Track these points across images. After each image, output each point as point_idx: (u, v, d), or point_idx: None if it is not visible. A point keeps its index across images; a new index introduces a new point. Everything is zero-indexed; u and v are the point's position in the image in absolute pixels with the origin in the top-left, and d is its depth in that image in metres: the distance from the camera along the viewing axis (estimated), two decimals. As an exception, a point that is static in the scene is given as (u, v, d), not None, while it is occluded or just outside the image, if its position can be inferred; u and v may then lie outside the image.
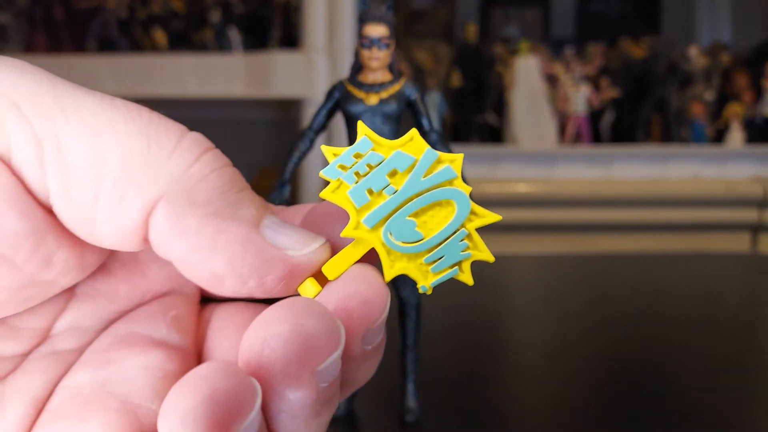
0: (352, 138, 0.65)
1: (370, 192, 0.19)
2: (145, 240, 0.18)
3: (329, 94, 0.65)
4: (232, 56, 2.37)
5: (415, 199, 0.19)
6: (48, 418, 0.18)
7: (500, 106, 2.48)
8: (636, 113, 2.50)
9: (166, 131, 0.17)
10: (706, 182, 2.20)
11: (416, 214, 0.20)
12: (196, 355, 0.21)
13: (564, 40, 3.20)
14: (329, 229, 0.20)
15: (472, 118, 2.51)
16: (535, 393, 0.77)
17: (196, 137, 0.18)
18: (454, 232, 0.20)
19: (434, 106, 2.30)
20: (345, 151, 0.19)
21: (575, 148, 2.33)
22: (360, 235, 0.19)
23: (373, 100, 0.63)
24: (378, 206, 0.19)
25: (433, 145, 0.64)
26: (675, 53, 2.56)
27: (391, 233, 0.19)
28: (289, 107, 2.45)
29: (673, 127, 2.47)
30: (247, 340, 0.17)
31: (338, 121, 0.67)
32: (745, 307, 1.20)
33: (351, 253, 0.20)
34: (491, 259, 0.20)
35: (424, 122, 0.64)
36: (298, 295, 0.19)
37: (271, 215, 0.18)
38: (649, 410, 0.70)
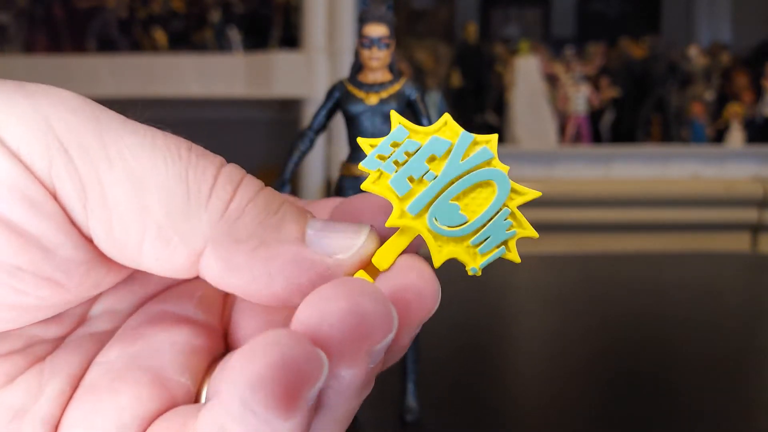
0: (352, 138, 0.65)
1: (411, 179, 0.19)
2: (194, 272, 0.18)
3: (329, 94, 0.65)
4: (232, 56, 2.37)
5: (456, 183, 0.19)
6: (83, 392, 0.19)
7: (500, 106, 2.48)
8: (636, 113, 2.50)
9: (204, 172, 0.17)
10: (706, 182, 2.20)
11: (458, 198, 0.20)
12: (222, 332, 0.21)
13: (564, 40, 3.20)
14: (370, 222, 0.20)
15: (472, 118, 2.51)
16: (535, 393, 0.77)
17: (229, 172, 0.18)
18: (498, 212, 0.20)
19: (434, 106, 2.30)
20: (382, 141, 0.19)
21: (575, 148, 2.33)
22: (405, 223, 0.19)
23: (373, 99, 0.63)
24: (420, 193, 0.19)
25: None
26: (675, 53, 2.56)
27: (436, 218, 0.19)
28: (289, 107, 2.45)
29: (673, 127, 2.47)
30: (303, 314, 0.17)
31: (338, 121, 0.67)
32: (745, 307, 1.20)
33: (398, 242, 0.20)
34: (535, 235, 0.20)
35: (424, 122, 0.64)
36: None
37: (312, 221, 0.19)
38: (649, 410, 0.70)
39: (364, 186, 0.19)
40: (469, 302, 1.16)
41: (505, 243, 0.20)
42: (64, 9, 2.59)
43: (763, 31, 3.01)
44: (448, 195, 0.19)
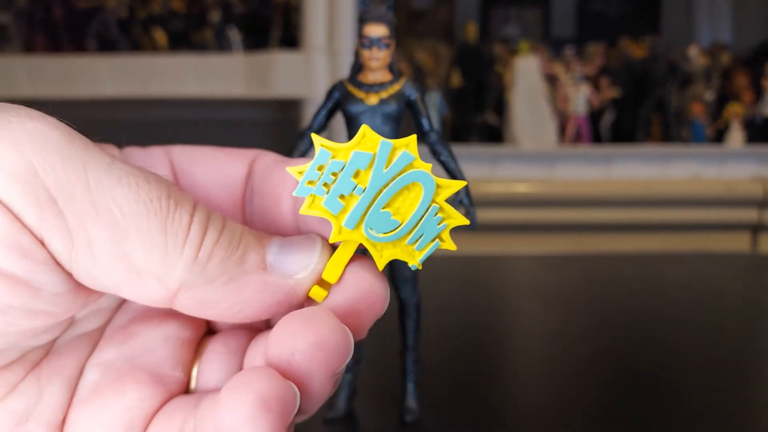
0: (352, 138, 0.65)
1: (342, 197, 0.20)
2: (172, 306, 0.20)
3: (329, 94, 0.65)
4: (232, 56, 2.37)
5: (384, 191, 0.21)
6: (87, 393, 0.20)
7: (500, 106, 2.48)
8: (636, 113, 2.50)
9: (180, 221, 0.19)
10: (706, 182, 2.20)
11: (389, 204, 0.21)
12: (204, 323, 0.23)
13: (564, 40, 3.20)
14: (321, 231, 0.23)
15: (472, 118, 2.51)
16: (535, 393, 0.77)
17: (199, 218, 0.20)
18: (427, 210, 0.21)
19: (434, 106, 2.30)
20: (308, 167, 0.21)
21: (575, 148, 2.33)
22: (345, 237, 0.21)
23: (373, 100, 0.63)
24: (353, 208, 0.21)
25: (433, 145, 0.64)
26: (675, 53, 2.56)
27: (371, 228, 0.21)
28: (289, 107, 2.45)
29: (673, 127, 2.47)
30: (275, 350, 0.19)
31: (338, 121, 0.67)
32: (745, 307, 1.20)
33: (343, 255, 0.21)
34: (466, 222, 0.22)
35: (424, 122, 0.64)
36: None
37: (270, 245, 0.20)
38: (649, 410, 0.70)
39: (301, 211, 0.21)
40: (468, 302, 1.16)
41: (438, 236, 0.22)
42: (64, 9, 2.59)
43: (763, 31, 3.01)
44: (379, 204, 0.21)
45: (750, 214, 2.13)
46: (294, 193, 0.21)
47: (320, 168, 0.20)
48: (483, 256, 1.77)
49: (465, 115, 2.52)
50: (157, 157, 0.24)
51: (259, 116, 2.63)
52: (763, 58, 2.54)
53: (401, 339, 0.68)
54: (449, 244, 0.22)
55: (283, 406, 0.18)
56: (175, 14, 2.60)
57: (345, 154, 0.21)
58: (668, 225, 2.12)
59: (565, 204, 2.12)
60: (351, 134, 0.64)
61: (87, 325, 0.22)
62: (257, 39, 2.48)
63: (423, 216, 0.21)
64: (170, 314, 0.22)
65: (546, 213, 2.11)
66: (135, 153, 0.24)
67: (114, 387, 0.20)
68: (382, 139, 0.20)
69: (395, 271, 0.66)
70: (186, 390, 0.22)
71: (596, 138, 2.47)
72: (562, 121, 2.43)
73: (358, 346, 0.68)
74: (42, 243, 0.18)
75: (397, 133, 0.64)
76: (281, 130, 2.63)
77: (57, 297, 0.19)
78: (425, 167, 0.21)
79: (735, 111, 2.39)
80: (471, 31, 2.57)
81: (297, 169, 0.21)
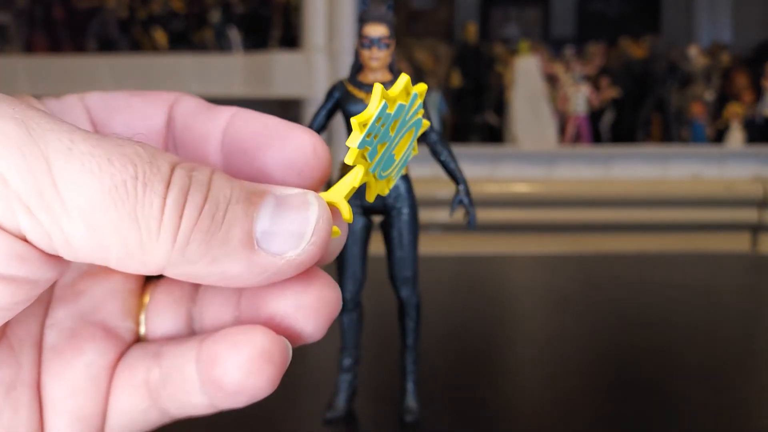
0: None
1: (378, 146, 0.21)
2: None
3: (329, 94, 0.65)
4: (232, 56, 2.37)
5: (398, 137, 0.22)
6: (49, 355, 0.21)
7: (500, 106, 2.48)
8: (636, 113, 2.50)
9: (151, 206, 0.18)
10: (706, 182, 2.20)
11: (396, 146, 0.22)
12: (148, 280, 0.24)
13: (564, 40, 3.19)
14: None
15: (472, 118, 2.51)
16: (535, 392, 0.77)
17: (175, 198, 0.18)
18: (411, 147, 0.22)
19: (434, 106, 2.30)
20: (371, 122, 0.21)
21: (575, 148, 2.33)
22: (364, 180, 0.22)
23: (373, 100, 0.63)
24: (380, 154, 0.21)
25: (433, 145, 0.64)
26: (675, 53, 2.56)
27: (381, 170, 0.22)
28: (289, 107, 2.45)
29: (673, 127, 2.47)
30: (271, 306, 0.20)
31: (338, 121, 0.67)
32: (745, 307, 1.20)
33: (348, 185, 0.22)
34: (428, 125, 0.23)
35: (424, 122, 0.64)
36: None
37: (258, 216, 0.19)
38: (649, 409, 0.70)
39: (351, 163, 0.21)
40: (468, 302, 1.16)
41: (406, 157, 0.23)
42: (64, 9, 2.59)
43: (763, 31, 3.01)
44: (392, 147, 0.22)
45: (750, 214, 2.13)
46: (355, 145, 0.20)
47: (379, 121, 0.21)
48: (483, 256, 1.77)
49: (465, 115, 2.52)
50: (72, 107, 0.24)
51: (259, 116, 2.63)
52: (763, 58, 2.54)
53: (401, 339, 0.68)
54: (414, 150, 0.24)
55: (282, 358, 0.19)
56: (175, 14, 2.60)
57: (392, 106, 0.21)
58: (668, 225, 2.12)
59: (565, 204, 2.11)
60: (351, 134, 0.64)
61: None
62: (257, 39, 2.48)
63: (408, 155, 0.22)
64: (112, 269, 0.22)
65: (546, 213, 2.11)
66: (51, 104, 0.24)
67: (72, 346, 0.21)
68: (414, 90, 0.21)
69: (395, 270, 0.66)
70: (137, 339, 0.23)
71: (596, 138, 2.47)
72: (562, 121, 2.43)
73: (358, 346, 0.68)
74: (24, 239, 0.18)
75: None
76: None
77: (52, 278, 0.19)
78: (425, 123, 0.22)
79: (735, 111, 2.39)
80: (471, 31, 2.57)
81: (360, 121, 0.21)
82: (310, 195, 0.20)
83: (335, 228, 0.21)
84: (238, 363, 0.19)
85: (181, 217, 0.18)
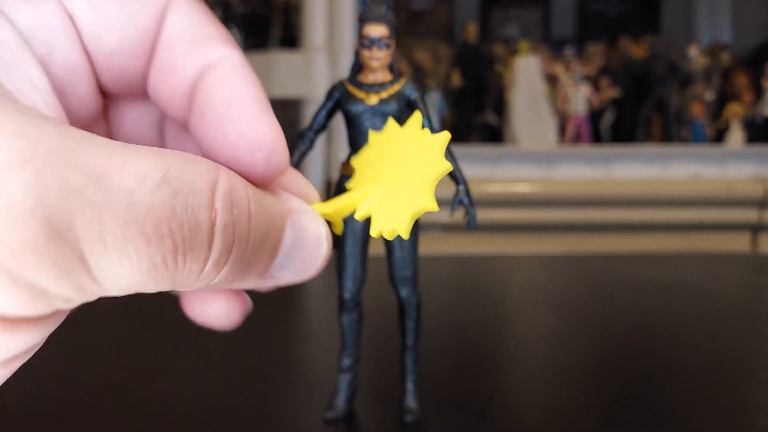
0: (352, 138, 0.65)
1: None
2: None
3: (329, 94, 0.65)
4: (232, 56, 2.37)
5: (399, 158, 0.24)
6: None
7: (500, 106, 2.48)
8: (636, 113, 2.50)
9: (191, 271, 0.18)
10: (706, 182, 2.20)
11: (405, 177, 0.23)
12: None
13: (564, 40, 3.19)
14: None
15: (472, 118, 2.51)
16: (535, 392, 0.77)
17: (216, 259, 0.18)
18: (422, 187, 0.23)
19: (434, 106, 2.30)
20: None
21: (575, 148, 2.33)
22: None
23: (373, 100, 0.63)
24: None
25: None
26: (675, 53, 2.56)
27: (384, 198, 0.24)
28: (289, 107, 2.45)
29: (673, 127, 2.47)
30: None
31: (338, 121, 0.67)
32: (745, 307, 1.20)
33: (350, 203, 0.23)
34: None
35: (424, 122, 0.64)
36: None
37: (279, 251, 0.20)
38: (649, 410, 0.70)
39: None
40: (468, 302, 1.16)
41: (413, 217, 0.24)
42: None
43: (763, 31, 3.01)
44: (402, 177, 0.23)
45: (750, 214, 2.13)
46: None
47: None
48: (483, 256, 1.77)
49: (465, 115, 2.52)
50: (52, 24, 0.20)
51: (259, 116, 2.63)
52: (763, 58, 2.54)
53: (401, 339, 0.68)
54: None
55: None
56: (175, 14, 2.59)
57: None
58: (668, 225, 2.12)
59: (565, 204, 2.11)
60: (351, 134, 0.64)
61: None
62: (257, 39, 2.48)
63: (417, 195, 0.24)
64: None
65: (546, 213, 2.11)
66: (22, 18, 0.20)
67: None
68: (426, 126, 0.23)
69: (395, 270, 0.66)
70: None
71: (596, 138, 2.47)
72: (562, 121, 2.43)
73: (358, 346, 0.68)
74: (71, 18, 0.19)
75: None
76: (281, 130, 2.63)
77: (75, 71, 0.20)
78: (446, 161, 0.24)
79: (735, 111, 2.39)
80: (471, 31, 2.57)
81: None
82: (322, 228, 0.21)
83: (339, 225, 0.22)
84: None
85: (218, 273, 0.18)
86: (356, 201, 0.22)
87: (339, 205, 0.22)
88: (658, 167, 2.24)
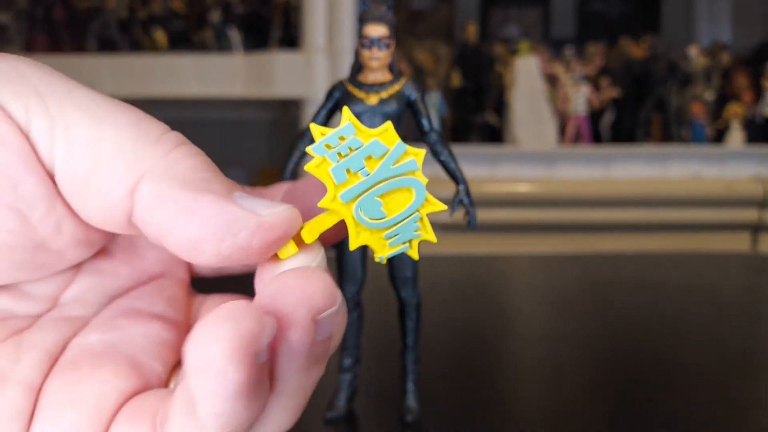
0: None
1: (348, 171, 0.22)
2: (128, 221, 0.20)
3: (329, 94, 0.65)
4: (232, 56, 2.37)
5: (383, 183, 0.22)
6: (64, 366, 0.21)
7: (500, 106, 2.48)
8: (636, 113, 2.50)
9: (154, 125, 0.20)
10: (706, 182, 2.20)
11: (382, 195, 0.23)
12: (187, 330, 0.23)
13: (564, 40, 3.19)
14: (309, 202, 0.23)
15: (472, 118, 2.51)
16: (535, 392, 0.77)
17: (176, 133, 0.20)
18: (410, 215, 0.23)
19: (434, 106, 2.30)
20: (331, 132, 0.22)
21: (575, 148, 2.33)
22: (335, 207, 0.22)
23: (373, 100, 0.63)
24: (353, 185, 0.22)
25: (433, 145, 0.64)
26: (675, 53, 2.56)
27: (361, 209, 0.22)
28: (289, 107, 2.45)
29: (673, 127, 2.47)
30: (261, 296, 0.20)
31: (338, 120, 0.67)
32: (746, 307, 1.20)
33: (325, 221, 0.22)
34: (434, 240, 0.23)
35: (424, 122, 0.64)
36: (277, 258, 0.21)
37: (240, 191, 0.21)
38: (649, 410, 0.70)
39: (307, 167, 0.22)
40: (468, 303, 1.16)
41: (410, 241, 0.23)
42: (65, 9, 2.59)
43: (763, 31, 3.01)
44: (375, 192, 0.22)
45: (750, 214, 2.13)
46: (308, 149, 0.22)
47: (341, 138, 0.22)
48: (483, 256, 1.77)
49: (465, 115, 2.51)
50: None
51: (259, 116, 2.63)
52: (763, 58, 2.54)
53: (401, 339, 0.68)
54: (414, 253, 0.24)
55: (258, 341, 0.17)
56: (175, 14, 2.59)
57: (366, 137, 0.22)
58: (668, 225, 2.12)
59: (565, 204, 2.11)
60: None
61: (71, 311, 0.23)
62: (257, 39, 2.48)
63: (405, 219, 0.23)
64: (155, 317, 0.23)
65: (546, 213, 2.11)
66: None
67: (92, 363, 0.21)
68: (399, 140, 0.22)
69: (395, 270, 0.66)
70: (162, 385, 0.22)
71: (596, 138, 2.47)
72: (562, 121, 2.43)
73: (358, 346, 0.68)
74: (27, 136, 0.19)
75: (397, 132, 0.64)
76: (281, 130, 2.63)
77: (32, 197, 0.19)
78: (423, 180, 0.23)
79: (735, 111, 2.39)
80: (471, 31, 2.57)
81: (320, 130, 0.22)
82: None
83: (293, 245, 0.22)
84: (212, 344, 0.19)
85: (179, 145, 0.21)
86: (329, 217, 0.23)
87: (313, 223, 0.23)
88: (658, 167, 2.24)
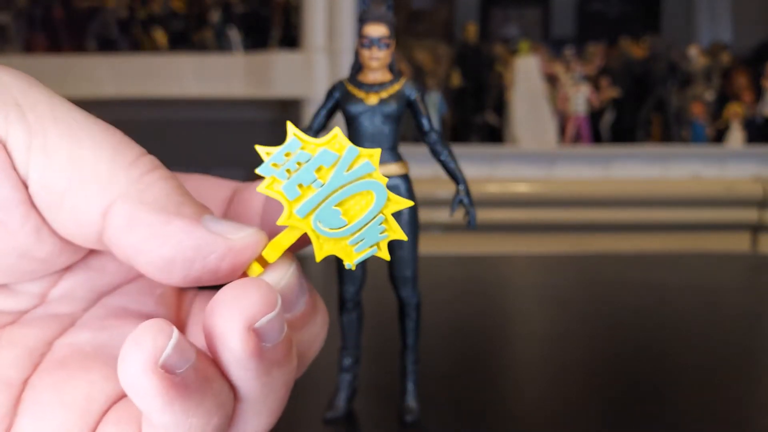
0: (352, 138, 0.65)
1: (300, 186, 0.22)
2: (99, 239, 0.20)
3: (329, 94, 0.65)
4: (232, 56, 2.37)
5: (339, 191, 0.22)
6: (52, 365, 0.21)
7: (500, 106, 2.48)
8: (636, 113, 2.50)
9: (132, 148, 0.20)
10: (706, 182, 2.20)
11: (341, 203, 0.22)
12: (178, 328, 0.23)
13: (564, 40, 3.19)
14: (269, 216, 0.24)
15: (472, 118, 2.51)
16: (535, 393, 0.77)
17: (151, 157, 0.21)
18: (373, 218, 0.22)
19: (434, 106, 2.30)
20: (276, 151, 0.22)
21: (575, 148, 2.33)
22: (293, 223, 0.22)
23: (373, 100, 0.63)
24: (307, 198, 0.22)
25: (433, 145, 0.64)
26: (675, 53, 2.56)
27: (319, 221, 0.22)
28: (289, 107, 2.45)
29: (673, 127, 2.47)
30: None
31: (338, 121, 0.67)
32: (745, 307, 1.20)
33: (286, 238, 0.22)
34: (404, 238, 0.23)
35: (424, 122, 0.64)
36: (245, 276, 0.21)
37: (209, 215, 0.21)
38: (649, 410, 0.70)
39: (259, 189, 0.22)
40: (468, 303, 1.16)
41: (377, 244, 0.23)
42: (64, 9, 2.59)
43: (763, 31, 3.01)
44: (332, 201, 0.22)
45: (750, 214, 2.13)
46: (257, 170, 0.22)
47: (287, 155, 0.22)
48: (483, 256, 1.77)
49: (465, 115, 2.51)
50: None
51: (259, 116, 2.63)
52: (763, 58, 2.54)
53: (401, 339, 0.68)
54: (384, 254, 0.23)
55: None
56: (175, 14, 2.59)
57: (314, 148, 0.22)
58: (668, 225, 2.12)
59: (565, 204, 2.12)
60: (351, 134, 0.64)
61: (59, 308, 0.23)
62: (257, 39, 2.48)
63: (368, 222, 0.22)
64: (146, 316, 0.23)
65: (546, 213, 2.11)
66: None
67: (81, 364, 0.21)
68: (350, 144, 0.22)
69: (395, 270, 0.66)
70: None
71: (596, 138, 2.47)
72: (562, 121, 2.43)
73: (358, 346, 0.68)
74: (4, 145, 0.19)
75: (397, 132, 0.64)
76: (281, 130, 2.62)
77: (8, 201, 0.19)
78: (382, 180, 0.22)
79: (735, 111, 2.39)
80: (471, 31, 2.57)
81: (265, 150, 0.22)
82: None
83: (257, 265, 0.22)
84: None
85: (153, 169, 0.21)
86: (288, 235, 0.23)
87: (273, 243, 0.23)
88: (658, 167, 2.24)
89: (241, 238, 0.21)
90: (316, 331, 0.23)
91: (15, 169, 0.19)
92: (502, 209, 2.06)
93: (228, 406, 0.19)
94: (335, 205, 0.22)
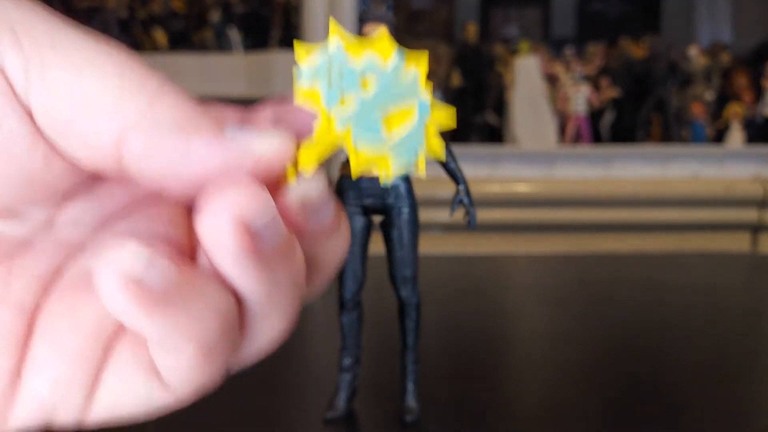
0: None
1: (342, 94, 0.20)
2: (116, 165, 0.19)
3: (329, 94, 0.65)
4: (232, 56, 2.37)
5: (383, 101, 0.20)
6: (63, 290, 0.20)
7: (500, 106, 2.48)
8: (636, 113, 2.50)
9: (136, 68, 0.19)
10: (706, 182, 2.20)
11: (383, 114, 0.20)
12: (190, 251, 0.22)
13: (564, 40, 3.19)
14: (300, 127, 0.22)
15: (472, 118, 2.51)
16: (535, 392, 0.77)
17: (157, 74, 0.19)
18: (414, 131, 0.20)
19: (434, 106, 2.30)
20: (318, 55, 0.21)
21: (575, 148, 2.33)
22: (331, 134, 0.20)
23: (373, 100, 0.63)
24: (349, 108, 0.20)
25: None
26: (675, 53, 2.56)
27: (358, 133, 0.20)
28: (289, 107, 2.44)
29: (673, 127, 2.47)
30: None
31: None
32: (745, 307, 1.20)
33: (322, 150, 0.21)
34: (443, 158, 0.21)
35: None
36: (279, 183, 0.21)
37: (230, 124, 0.19)
38: (649, 409, 0.70)
39: (296, 101, 0.19)
40: (468, 302, 1.16)
41: (415, 160, 0.22)
42: (64, 9, 2.59)
43: (763, 31, 3.01)
44: (374, 112, 0.20)
45: (750, 214, 2.13)
46: (297, 79, 0.21)
47: (329, 59, 0.20)
48: (483, 256, 1.77)
49: (465, 115, 2.52)
50: None
51: (259, 116, 2.63)
52: (763, 58, 2.54)
53: (401, 339, 0.68)
54: (421, 170, 0.22)
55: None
56: (175, 14, 2.60)
57: (358, 52, 0.19)
58: (668, 225, 2.12)
59: (565, 204, 2.12)
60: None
61: (66, 234, 0.23)
62: (257, 39, 2.48)
63: (409, 136, 0.20)
64: (157, 239, 0.23)
65: (546, 213, 2.11)
66: None
67: (92, 288, 0.21)
68: (396, 48, 0.21)
69: (395, 270, 0.66)
70: None
71: (596, 138, 2.47)
72: (562, 121, 2.43)
73: (358, 346, 0.68)
74: (3, 61, 0.18)
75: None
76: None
77: (14, 133, 0.18)
78: (428, 90, 0.21)
79: (735, 111, 2.39)
80: (471, 31, 2.57)
81: (305, 50, 0.21)
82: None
83: (291, 170, 0.20)
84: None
85: (163, 87, 0.19)
86: (320, 136, 0.21)
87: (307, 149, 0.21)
88: (658, 167, 2.24)
89: (267, 146, 0.20)
90: (341, 242, 0.22)
91: (17, 95, 0.19)
92: (502, 209, 2.06)
93: (226, 310, 0.18)
94: (377, 117, 0.21)
